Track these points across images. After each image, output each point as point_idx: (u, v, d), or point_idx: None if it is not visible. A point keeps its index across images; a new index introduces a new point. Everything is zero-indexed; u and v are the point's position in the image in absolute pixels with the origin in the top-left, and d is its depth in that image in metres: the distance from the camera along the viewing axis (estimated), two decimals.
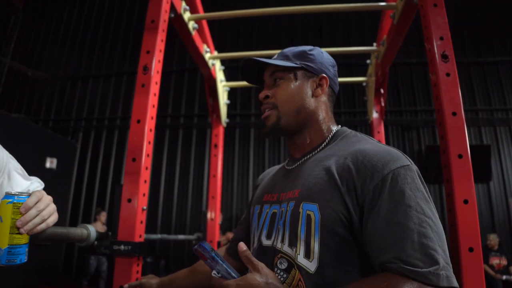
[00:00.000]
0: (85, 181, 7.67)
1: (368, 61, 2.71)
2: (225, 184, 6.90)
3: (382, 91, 2.74)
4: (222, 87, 2.89)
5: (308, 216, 0.82)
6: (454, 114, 1.32)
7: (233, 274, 0.77)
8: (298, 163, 0.97)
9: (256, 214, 1.03)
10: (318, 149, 0.94)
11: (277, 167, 1.15)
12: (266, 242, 0.93)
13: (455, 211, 1.22)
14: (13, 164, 1.08)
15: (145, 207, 1.50)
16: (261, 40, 7.80)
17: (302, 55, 0.99)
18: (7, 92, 8.35)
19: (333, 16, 7.45)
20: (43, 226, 0.82)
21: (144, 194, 1.51)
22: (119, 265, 1.43)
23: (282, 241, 0.87)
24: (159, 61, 1.65)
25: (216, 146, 2.95)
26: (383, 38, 2.24)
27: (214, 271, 0.78)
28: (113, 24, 8.61)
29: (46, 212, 0.83)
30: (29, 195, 0.81)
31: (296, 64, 0.97)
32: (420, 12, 1.58)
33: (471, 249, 1.16)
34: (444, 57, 1.40)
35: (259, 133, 7.37)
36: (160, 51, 1.66)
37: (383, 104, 2.77)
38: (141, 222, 1.49)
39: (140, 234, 1.47)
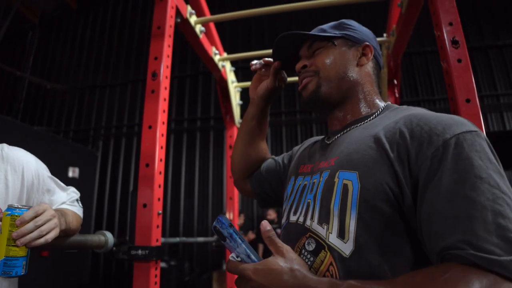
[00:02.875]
0: (107, 188, 7.83)
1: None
2: None
3: (395, 82, 2.69)
4: (234, 88, 2.90)
5: (345, 186, 0.69)
6: (468, 101, 1.28)
7: (253, 257, 0.65)
8: (339, 134, 0.85)
9: (290, 187, 0.93)
10: (364, 122, 0.82)
11: (313, 139, 1.04)
12: (292, 217, 0.83)
13: None
14: (50, 178, 1.11)
15: (160, 212, 1.52)
16: (272, 38, 7.78)
17: (340, 26, 0.91)
18: (29, 106, 8.61)
19: (343, 8, 7.36)
20: (41, 241, 0.83)
21: (159, 199, 1.52)
22: (138, 269, 1.45)
23: (312, 217, 0.75)
24: (167, 66, 1.66)
25: (231, 147, 2.96)
26: (393, 28, 2.20)
27: (232, 255, 0.67)
28: (126, 33, 8.76)
29: (46, 227, 0.84)
30: (29, 208, 0.83)
31: (336, 34, 0.88)
32: None
33: None
34: (454, 43, 1.36)
35: (275, 130, 7.36)
36: (168, 56, 1.68)
37: (397, 95, 2.72)
38: (157, 226, 1.50)
39: (157, 238, 1.49)
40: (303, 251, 0.73)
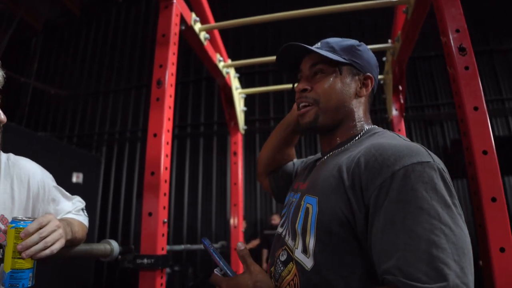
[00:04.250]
0: (111, 194, 7.83)
1: (384, 59, 2.66)
2: (248, 189, 6.89)
3: (400, 88, 2.68)
4: (238, 94, 2.89)
5: (307, 209, 0.77)
6: (476, 108, 1.27)
7: (229, 272, 0.79)
8: (324, 158, 0.92)
9: (286, 200, 1.03)
10: (345, 146, 0.87)
11: (318, 155, 1.09)
12: (279, 229, 0.93)
13: (483, 210, 1.16)
14: (55, 187, 1.11)
15: (165, 220, 1.51)
16: (275, 44, 7.79)
17: (351, 50, 0.91)
18: (33, 112, 8.65)
19: (347, 15, 7.36)
20: (47, 252, 0.83)
21: (164, 207, 1.52)
22: (143, 278, 1.44)
23: (288, 233, 0.85)
24: (172, 74, 1.66)
25: (235, 153, 2.95)
26: (398, 34, 2.19)
27: (216, 269, 0.81)
28: (129, 39, 8.80)
29: (51, 238, 0.83)
30: (33, 220, 0.82)
31: (345, 59, 0.89)
32: (433, 5, 1.53)
33: (502, 249, 1.11)
34: (461, 50, 1.35)
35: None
36: (173, 64, 1.68)
37: (402, 101, 2.71)
38: (163, 235, 1.49)
39: (162, 246, 1.48)
40: (277, 260, 0.84)
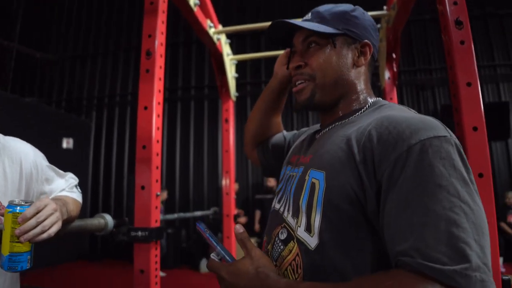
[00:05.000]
0: (102, 158, 7.83)
1: (378, 26, 2.60)
2: (239, 154, 6.93)
3: (394, 55, 2.64)
4: (229, 60, 2.83)
5: (313, 184, 0.72)
6: (469, 84, 1.26)
7: (228, 258, 0.73)
8: (325, 130, 0.86)
9: (282, 174, 0.96)
10: (349, 118, 0.81)
11: (314, 127, 1.03)
12: (277, 205, 0.88)
13: None
14: (48, 166, 1.10)
15: (159, 193, 1.52)
16: (267, 9, 7.57)
17: (344, 18, 0.84)
18: (18, 77, 8.40)
19: None
20: (44, 236, 0.84)
21: (157, 180, 1.52)
22: (138, 250, 1.48)
23: (288, 209, 0.79)
24: (161, 44, 1.61)
25: (227, 121, 2.94)
26: (394, 2, 2.13)
27: (213, 253, 0.75)
28: None
29: (48, 222, 0.84)
30: (30, 204, 0.82)
31: (338, 30, 0.82)
32: None
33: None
34: (458, 23, 1.32)
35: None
36: (162, 33, 1.62)
37: (395, 69, 2.68)
38: (156, 207, 1.51)
39: (156, 219, 1.50)
40: (276, 238, 0.78)
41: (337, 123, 0.83)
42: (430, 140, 0.60)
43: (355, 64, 0.84)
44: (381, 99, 0.85)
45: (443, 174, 0.57)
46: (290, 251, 0.72)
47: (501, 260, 5.31)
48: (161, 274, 5.70)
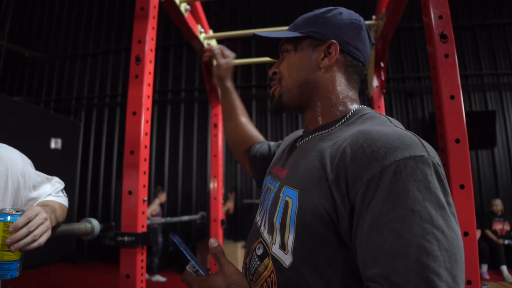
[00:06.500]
0: (90, 159, 7.76)
1: None
2: (228, 157, 6.93)
3: (382, 64, 2.68)
4: None
5: (286, 203, 0.71)
6: (452, 97, 1.29)
7: (201, 272, 0.72)
8: (305, 140, 0.84)
9: (264, 184, 0.97)
10: (329, 129, 0.78)
11: (297, 133, 1.02)
12: (257, 218, 0.87)
13: (451, 196, 1.22)
14: (35, 173, 1.10)
15: (146, 198, 1.52)
16: (258, 15, 7.61)
17: (312, 20, 0.83)
18: (7, 75, 8.30)
19: None
20: (34, 245, 0.85)
21: (144, 186, 1.52)
22: (124, 255, 1.47)
23: (264, 224, 0.79)
24: (151, 50, 1.62)
25: (216, 126, 2.94)
26: (382, 12, 2.17)
27: (188, 265, 0.74)
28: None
29: (39, 231, 0.85)
30: (22, 214, 0.83)
31: (302, 33, 0.82)
32: None
33: (466, 234, 1.17)
34: (443, 37, 1.35)
35: (262, 105, 7.32)
36: (152, 39, 1.63)
37: (383, 77, 2.72)
38: (143, 213, 1.51)
39: (142, 224, 1.50)
40: (253, 253, 0.78)
41: (316, 133, 0.81)
42: (405, 161, 0.57)
43: (320, 66, 0.81)
44: (365, 107, 0.82)
45: (417, 198, 0.55)
46: (266, 267, 0.72)
47: (485, 267, 5.39)
48: (162, 279, 5.68)
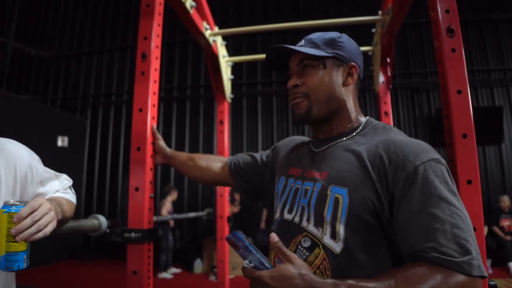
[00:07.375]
0: (97, 157, 7.80)
1: (373, 30, 2.62)
2: (234, 152, 6.93)
3: (388, 60, 2.66)
4: (225, 62, 2.84)
5: (336, 199, 0.85)
6: (459, 92, 1.28)
7: (267, 265, 0.75)
8: (325, 146, 0.98)
9: (282, 186, 1.06)
10: (347, 137, 0.96)
11: (298, 139, 1.19)
12: (287, 216, 0.97)
13: (459, 191, 1.21)
14: (42, 169, 1.11)
15: (152, 195, 1.53)
16: (264, 12, 7.59)
17: (332, 43, 0.98)
18: (14, 73, 8.36)
19: None
20: (40, 235, 0.84)
21: (151, 182, 1.53)
22: (131, 251, 1.48)
23: (308, 220, 0.90)
24: (157, 46, 1.62)
25: (222, 123, 2.94)
26: (388, 7, 2.16)
27: (246, 261, 0.77)
28: None
29: (43, 221, 0.85)
30: (25, 204, 0.83)
31: (328, 53, 0.96)
32: None
33: (473, 229, 1.16)
34: (449, 31, 1.34)
35: (267, 101, 7.31)
36: (158, 36, 1.63)
37: (389, 73, 2.70)
38: (150, 209, 1.52)
39: (149, 221, 1.51)
40: (299, 246, 0.89)
41: (338, 141, 0.97)
42: (429, 162, 0.78)
43: (344, 83, 0.98)
44: (370, 118, 1.01)
45: (441, 188, 0.76)
46: (317, 256, 0.84)
47: (489, 262, 5.36)
48: (169, 276, 5.71)
